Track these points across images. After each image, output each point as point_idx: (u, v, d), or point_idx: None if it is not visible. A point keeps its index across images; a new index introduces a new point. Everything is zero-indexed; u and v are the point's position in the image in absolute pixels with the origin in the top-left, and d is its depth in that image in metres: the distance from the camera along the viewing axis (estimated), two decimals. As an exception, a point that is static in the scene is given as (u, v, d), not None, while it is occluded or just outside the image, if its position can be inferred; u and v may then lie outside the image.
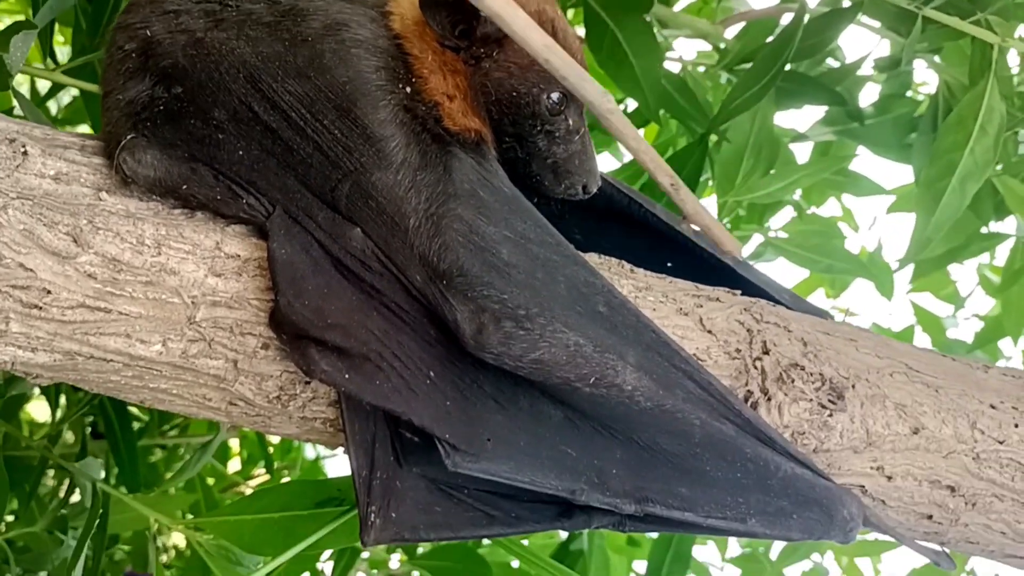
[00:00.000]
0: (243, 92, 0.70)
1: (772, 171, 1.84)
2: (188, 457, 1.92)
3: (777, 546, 2.25)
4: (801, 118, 2.28)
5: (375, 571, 2.07)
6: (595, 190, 0.85)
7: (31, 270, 0.67)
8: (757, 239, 1.93)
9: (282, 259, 0.69)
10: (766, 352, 0.79)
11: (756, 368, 0.79)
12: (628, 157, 2.14)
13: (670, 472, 0.75)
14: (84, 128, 1.95)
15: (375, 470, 0.76)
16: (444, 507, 0.78)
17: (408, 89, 0.73)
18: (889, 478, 0.82)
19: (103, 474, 1.13)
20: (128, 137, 0.71)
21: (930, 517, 0.84)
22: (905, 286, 2.48)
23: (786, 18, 1.71)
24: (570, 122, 0.82)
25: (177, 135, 0.71)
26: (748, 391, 0.78)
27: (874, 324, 2.69)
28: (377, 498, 0.76)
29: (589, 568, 1.72)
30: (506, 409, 0.73)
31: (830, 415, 0.78)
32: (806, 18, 1.33)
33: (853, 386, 0.80)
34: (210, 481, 1.98)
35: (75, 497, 1.37)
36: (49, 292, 0.67)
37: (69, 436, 1.78)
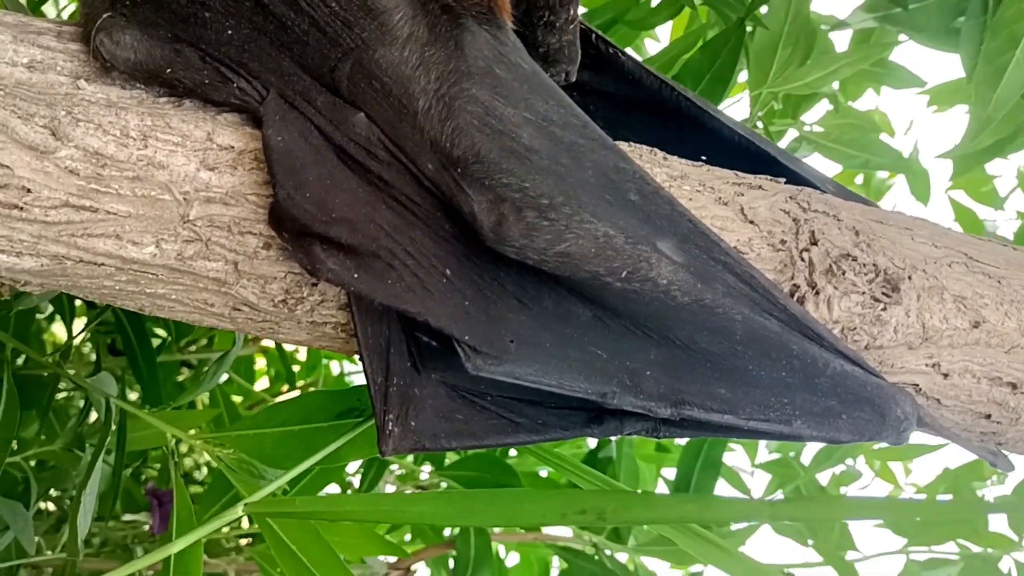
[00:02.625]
0: None
1: (809, 61, 1.74)
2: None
3: (808, 451, 2.22)
4: (840, 3, 2.15)
5: (404, 484, 2.06)
6: (574, 79, 0.79)
7: (7, 167, 0.61)
8: (791, 134, 1.84)
9: (279, 147, 0.63)
10: (814, 242, 0.72)
11: (803, 260, 0.72)
12: (652, 51, 2.04)
13: (709, 372, 0.69)
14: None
15: (391, 376, 0.71)
16: (466, 414, 0.73)
17: None
18: (946, 375, 0.75)
19: (116, 390, 1.09)
20: (105, 16, 0.64)
21: (988, 416, 0.78)
22: (941, 188, 2.37)
23: None
24: (571, 12, 0.75)
25: (159, 15, 0.64)
26: (794, 285, 0.72)
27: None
28: (395, 406, 0.71)
29: (619, 475, 1.69)
30: (530, 308, 0.67)
31: (884, 309, 0.72)
32: None
33: (909, 277, 0.73)
34: (237, 399, 1.97)
35: (94, 415, 1.35)
36: (29, 191, 0.62)
37: (92, 355, 1.76)
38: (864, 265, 0.72)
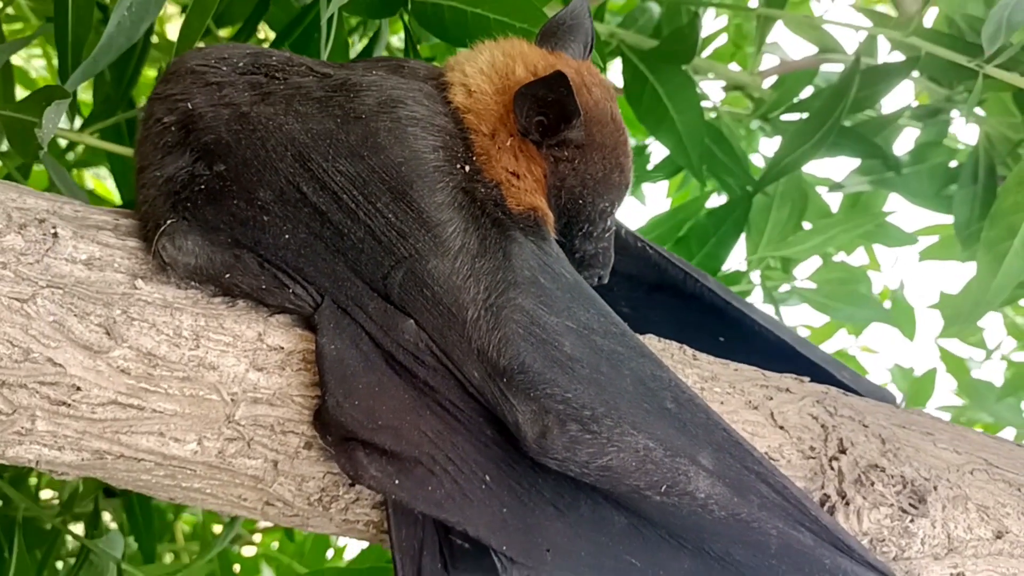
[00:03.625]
0: (291, 171, 0.66)
1: (805, 223, 1.79)
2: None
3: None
4: (833, 165, 2.24)
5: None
6: (607, 281, 0.82)
7: (60, 365, 0.62)
8: (784, 286, 1.88)
9: (332, 356, 0.64)
10: (843, 451, 0.74)
11: (832, 469, 0.73)
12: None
13: None
14: (102, 171, 1.91)
15: None
16: None
17: (467, 168, 0.69)
18: (970, 584, 0.76)
19: (122, 549, 1.07)
20: (168, 222, 0.65)
21: (1010, 624, 0.79)
22: (927, 326, 2.42)
23: (825, 67, 1.68)
24: (608, 223, 0.79)
25: (219, 217, 0.66)
26: (824, 494, 0.73)
27: (896, 366, 2.64)
28: None
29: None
30: (566, 515, 0.67)
31: (911, 520, 0.73)
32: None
33: (935, 488, 0.74)
34: (216, 529, 1.92)
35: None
36: (79, 389, 0.62)
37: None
38: (892, 476, 0.73)
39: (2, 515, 1.23)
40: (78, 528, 1.18)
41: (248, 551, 2.19)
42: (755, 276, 1.78)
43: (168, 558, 1.81)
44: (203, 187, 0.66)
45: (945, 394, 2.62)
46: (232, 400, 0.65)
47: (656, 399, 0.68)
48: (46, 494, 1.60)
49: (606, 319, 0.70)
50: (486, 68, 0.73)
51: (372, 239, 0.65)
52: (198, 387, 0.64)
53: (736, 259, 1.76)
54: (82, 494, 1.36)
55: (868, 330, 2.52)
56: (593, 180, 0.75)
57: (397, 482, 0.64)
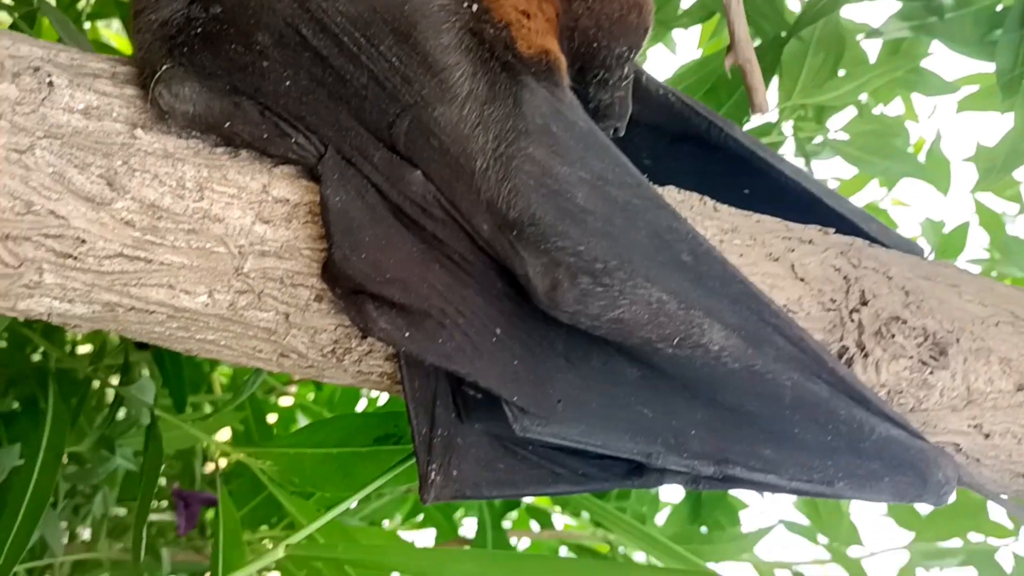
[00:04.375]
0: (288, 12, 0.62)
1: (841, 71, 1.72)
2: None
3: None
4: (873, 10, 2.12)
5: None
6: (623, 134, 0.79)
7: (63, 218, 0.61)
8: (816, 139, 1.82)
9: (336, 208, 0.62)
10: (864, 303, 0.72)
11: (852, 321, 0.72)
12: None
13: (755, 434, 0.69)
14: (116, 25, 1.86)
15: (436, 427, 0.71)
16: (507, 464, 0.74)
17: (475, 7, 0.64)
18: (987, 436, 0.75)
19: (153, 396, 1.09)
20: (164, 68, 0.63)
21: (1026, 475, 0.79)
22: (962, 179, 2.35)
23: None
24: (625, 70, 0.74)
25: (217, 63, 0.63)
26: (843, 346, 0.71)
27: (927, 219, 2.58)
28: (438, 456, 0.71)
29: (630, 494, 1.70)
30: (578, 368, 0.67)
31: (931, 373, 0.72)
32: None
33: (957, 340, 0.73)
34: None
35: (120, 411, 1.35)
36: (84, 241, 0.61)
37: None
38: (913, 328, 0.72)
39: (36, 367, 1.27)
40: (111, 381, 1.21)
41: (285, 402, 2.25)
42: (787, 128, 1.73)
43: (207, 408, 1.87)
44: (200, 31, 0.63)
45: (976, 249, 2.58)
46: (240, 252, 0.64)
47: (672, 252, 0.66)
48: (82, 350, 1.64)
49: (621, 170, 0.68)
50: None
51: (376, 85, 0.62)
52: (204, 239, 0.63)
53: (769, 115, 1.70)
54: (113, 348, 1.39)
55: (900, 183, 2.45)
56: (609, 21, 0.71)
57: (407, 334, 0.63)
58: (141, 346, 1.51)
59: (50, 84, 0.62)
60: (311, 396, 2.17)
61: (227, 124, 0.63)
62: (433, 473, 0.70)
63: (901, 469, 0.70)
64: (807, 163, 1.71)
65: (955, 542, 1.97)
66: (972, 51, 1.70)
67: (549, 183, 0.63)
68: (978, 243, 2.52)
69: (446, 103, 0.62)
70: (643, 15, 0.72)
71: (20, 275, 0.61)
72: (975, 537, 1.94)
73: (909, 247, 0.89)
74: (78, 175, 0.61)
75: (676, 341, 0.63)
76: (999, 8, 1.65)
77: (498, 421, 0.69)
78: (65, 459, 1.23)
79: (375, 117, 0.63)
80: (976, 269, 2.45)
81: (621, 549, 1.78)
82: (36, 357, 1.36)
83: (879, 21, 1.71)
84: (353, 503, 0.79)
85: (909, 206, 2.70)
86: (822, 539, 1.96)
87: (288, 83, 0.63)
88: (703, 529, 1.81)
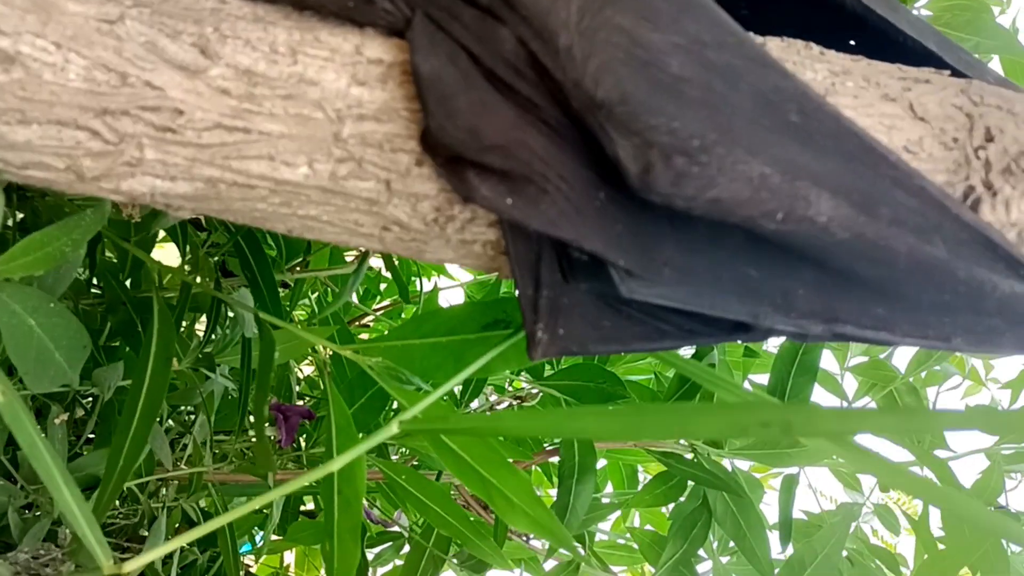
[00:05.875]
0: None
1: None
2: (311, 292, 1.92)
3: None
4: None
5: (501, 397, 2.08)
6: None
7: (159, 88, 0.60)
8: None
9: (428, 75, 0.60)
10: (990, 139, 0.68)
11: (979, 158, 0.67)
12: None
13: (866, 294, 0.66)
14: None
15: (541, 288, 0.70)
16: (613, 321, 0.72)
17: None
18: None
19: (253, 305, 1.10)
20: None
21: None
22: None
23: None
24: None
25: None
26: (969, 186, 0.67)
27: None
28: (544, 315, 0.69)
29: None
30: (683, 231, 0.64)
31: (1067, 209, 0.67)
32: None
33: (1095, 172, 0.68)
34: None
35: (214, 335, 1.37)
36: (182, 112, 0.60)
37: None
38: (1047, 162, 0.67)
39: (131, 296, 1.28)
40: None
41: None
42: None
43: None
44: None
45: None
46: (338, 117, 0.62)
47: (778, 113, 0.62)
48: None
49: (721, 29, 0.63)
50: None
51: None
52: (301, 105, 0.62)
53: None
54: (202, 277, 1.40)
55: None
56: None
57: (510, 201, 0.61)
58: (226, 274, 1.53)
59: (136, -47, 0.61)
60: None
61: None
62: (540, 331, 0.69)
63: (1024, 324, 0.66)
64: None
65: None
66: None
67: (640, 54, 0.59)
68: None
69: None
70: None
71: (121, 152, 0.61)
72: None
73: (1029, 95, 0.84)
74: (171, 44, 0.60)
75: (780, 217, 0.60)
76: None
77: (603, 281, 0.67)
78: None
79: None
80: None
81: (707, 453, 1.77)
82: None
83: None
84: (460, 385, 0.78)
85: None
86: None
87: None
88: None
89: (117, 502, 1.51)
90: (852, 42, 0.82)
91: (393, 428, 0.72)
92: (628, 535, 2.13)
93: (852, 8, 0.77)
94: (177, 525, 1.52)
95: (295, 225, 0.69)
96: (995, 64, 1.94)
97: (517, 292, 0.70)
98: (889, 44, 0.81)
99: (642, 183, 0.59)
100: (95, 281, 1.42)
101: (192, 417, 1.61)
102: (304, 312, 2.18)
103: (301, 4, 0.62)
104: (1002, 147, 0.67)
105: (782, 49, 0.70)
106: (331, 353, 0.95)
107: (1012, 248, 0.66)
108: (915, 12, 1.63)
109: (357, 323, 2.25)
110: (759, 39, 0.71)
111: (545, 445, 1.96)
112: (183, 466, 1.54)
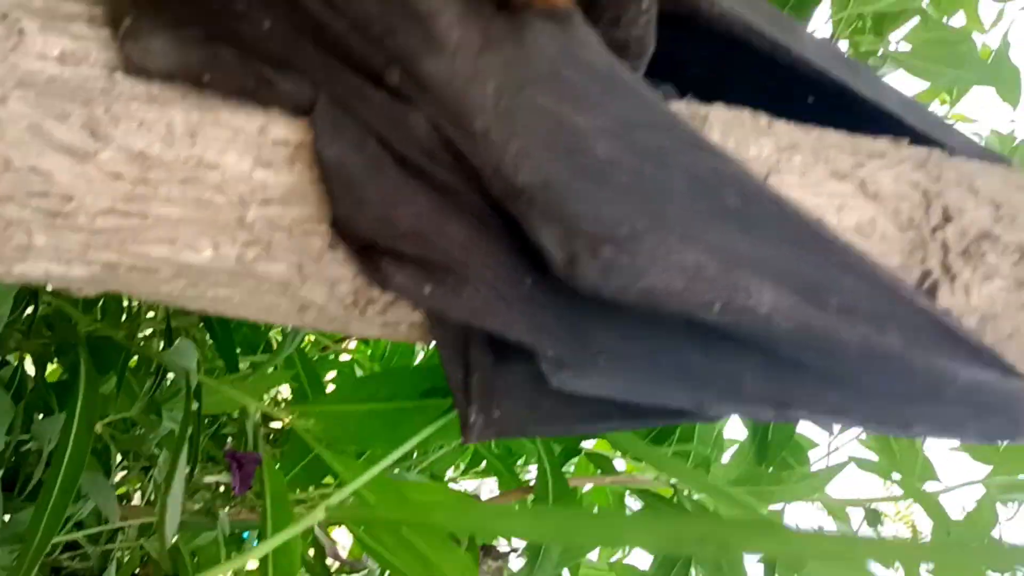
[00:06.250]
0: None
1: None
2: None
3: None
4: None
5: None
6: (642, 74, 0.67)
7: (45, 173, 0.55)
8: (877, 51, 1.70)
9: (333, 162, 0.55)
10: (948, 219, 0.63)
11: (935, 240, 0.63)
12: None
13: (819, 380, 0.61)
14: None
15: (472, 371, 0.65)
16: (553, 401, 0.67)
17: None
18: (1095, 363, 0.66)
19: (195, 359, 1.06)
20: (127, 22, 0.56)
21: None
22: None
23: None
24: (644, 4, 0.63)
25: (187, 7, 0.56)
26: (926, 270, 0.63)
27: (993, 131, 2.42)
28: (477, 397, 0.66)
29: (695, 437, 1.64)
30: (619, 316, 0.59)
31: (1029, 294, 0.63)
32: None
33: (1058, 256, 0.63)
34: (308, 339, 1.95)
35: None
36: (71, 198, 0.56)
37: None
38: (1007, 245, 0.63)
39: (81, 334, 1.24)
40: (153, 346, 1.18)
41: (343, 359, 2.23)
42: (842, 45, 1.61)
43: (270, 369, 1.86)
44: None
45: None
46: (241, 201, 0.58)
47: (715, 197, 0.57)
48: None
49: (651, 109, 0.58)
50: None
51: (357, 33, 0.54)
52: (201, 189, 0.58)
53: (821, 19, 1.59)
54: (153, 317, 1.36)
55: (964, 99, 2.28)
56: None
57: (428, 289, 0.57)
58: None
59: (20, 31, 0.57)
60: (370, 353, 2.15)
61: (206, 76, 0.56)
62: (473, 415, 0.65)
63: (989, 414, 0.62)
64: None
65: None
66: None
67: (562, 137, 0.55)
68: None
69: (434, 55, 0.54)
70: None
71: (9, 237, 0.57)
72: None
73: (997, 158, 0.80)
74: (58, 126, 0.56)
75: (718, 308, 0.55)
76: None
77: (536, 363, 0.63)
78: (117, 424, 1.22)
79: (364, 65, 0.55)
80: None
81: (687, 491, 1.73)
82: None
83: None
84: (397, 457, 0.75)
85: (976, 121, 2.53)
86: (895, 476, 1.88)
87: (268, 24, 0.55)
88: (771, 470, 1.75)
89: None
90: (810, 98, 0.78)
91: (319, 514, 0.68)
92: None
93: (804, 71, 0.73)
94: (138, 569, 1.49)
95: (206, 306, 0.65)
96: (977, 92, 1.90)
97: (447, 377, 0.66)
98: (848, 103, 0.76)
99: (568, 274, 0.55)
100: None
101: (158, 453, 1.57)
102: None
103: (200, 83, 0.57)
104: (961, 228, 0.63)
105: (726, 122, 0.66)
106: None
107: (972, 335, 0.61)
108: (893, 46, 1.59)
109: (335, 346, 2.20)
110: (703, 109, 0.67)
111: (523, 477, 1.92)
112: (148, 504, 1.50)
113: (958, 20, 1.99)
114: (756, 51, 0.76)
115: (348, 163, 0.55)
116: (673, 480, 1.70)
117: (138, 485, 1.75)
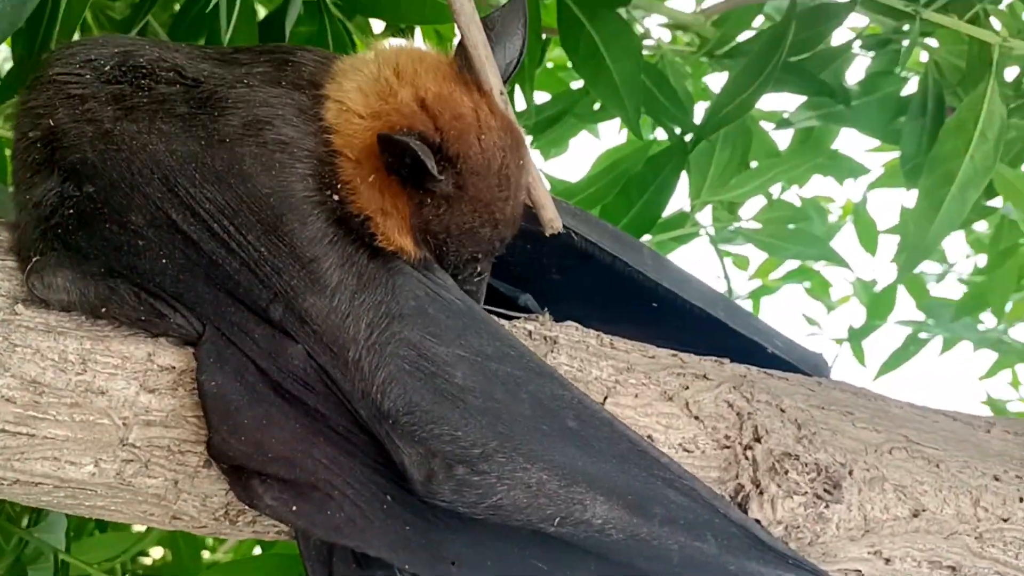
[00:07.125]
0: (159, 196, 0.62)
1: (752, 162, 1.76)
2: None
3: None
4: (782, 98, 2.19)
5: None
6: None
7: (-60, 398, 0.59)
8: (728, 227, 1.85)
9: (212, 392, 0.62)
10: (758, 439, 0.73)
11: (747, 458, 0.73)
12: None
13: None
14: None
15: None
16: None
17: (337, 197, 0.64)
18: (887, 561, 0.77)
19: (63, 536, 1.06)
20: (36, 259, 0.62)
21: (929, 596, 0.80)
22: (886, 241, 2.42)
23: (770, 5, 1.62)
24: (478, 267, 0.73)
25: (92, 243, 0.63)
26: (739, 484, 0.72)
27: (857, 279, 2.63)
28: None
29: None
30: (470, 527, 0.67)
31: (826, 506, 0.73)
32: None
33: (850, 472, 0.74)
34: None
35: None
36: (-38, 420, 0.60)
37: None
38: (806, 464, 0.73)
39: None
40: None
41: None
42: (701, 216, 1.75)
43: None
44: (73, 210, 0.63)
45: (907, 309, 2.64)
46: (124, 424, 0.63)
47: (556, 419, 0.67)
48: None
49: (502, 343, 0.68)
50: (365, 86, 0.66)
51: (247, 271, 0.62)
52: (88, 412, 0.63)
53: (681, 199, 1.72)
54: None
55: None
56: (459, 231, 0.68)
57: (295, 509, 0.63)
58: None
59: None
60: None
61: (103, 309, 0.63)
62: None
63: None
64: (719, 254, 1.74)
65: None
66: (879, 136, 1.76)
67: (425, 366, 0.64)
68: (909, 301, 2.59)
69: (316, 294, 0.62)
70: (498, 228, 0.70)
71: None
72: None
73: (814, 362, 0.92)
74: (-45, 354, 0.60)
75: (558, 521, 0.64)
76: (904, 93, 1.70)
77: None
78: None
79: (251, 299, 0.63)
80: (906, 331, 2.52)
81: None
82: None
83: (791, 106, 1.76)
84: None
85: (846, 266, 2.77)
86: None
87: (164, 261, 0.62)
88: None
89: None
90: (655, 304, 0.89)
91: None
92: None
93: (643, 284, 0.84)
94: None
95: (84, 512, 0.69)
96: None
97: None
98: (681, 311, 0.88)
99: (426, 491, 0.62)
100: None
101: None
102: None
103: (95, 314, 0.63)
104: (768, 447, 0.73)
105: (574, 344, 0.75)
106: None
107: (778, 543, 0.71)
108: (742, 223, 1.75)
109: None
110: (555, 330, 0.76)
111: None
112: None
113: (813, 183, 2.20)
114: (599, 262, 0.88)
115: (227, 393, 0.62)
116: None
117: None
